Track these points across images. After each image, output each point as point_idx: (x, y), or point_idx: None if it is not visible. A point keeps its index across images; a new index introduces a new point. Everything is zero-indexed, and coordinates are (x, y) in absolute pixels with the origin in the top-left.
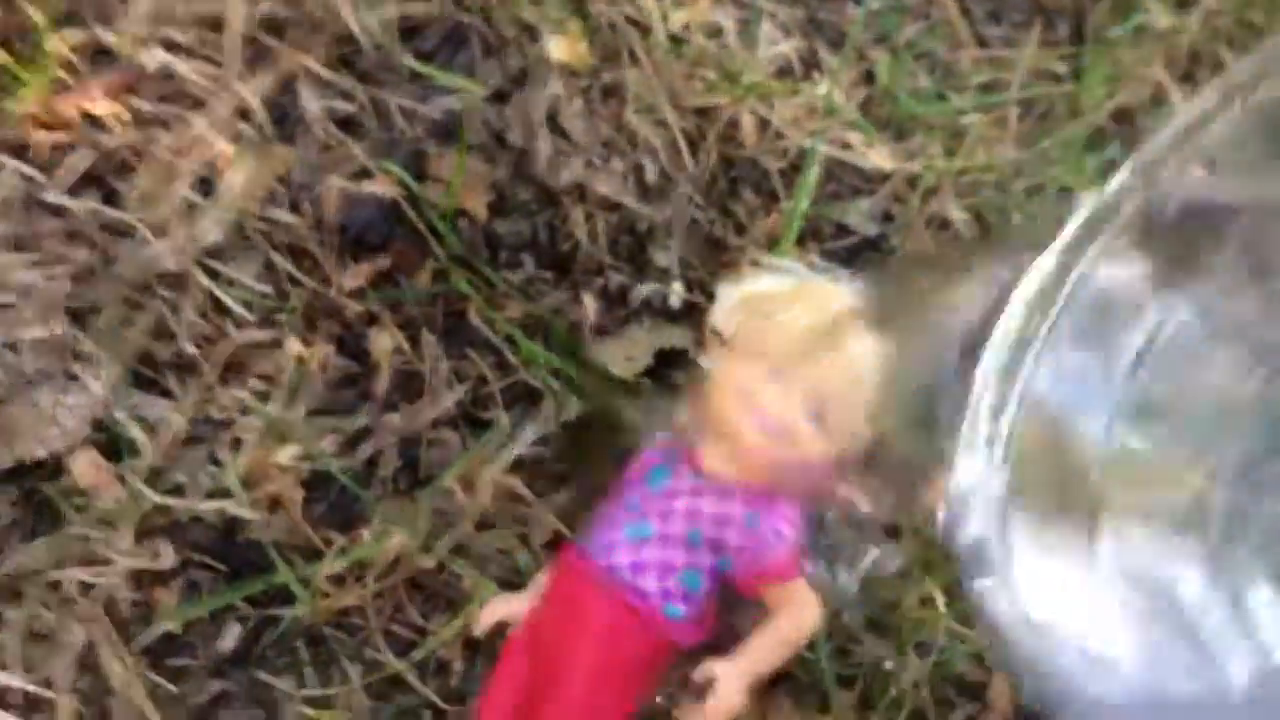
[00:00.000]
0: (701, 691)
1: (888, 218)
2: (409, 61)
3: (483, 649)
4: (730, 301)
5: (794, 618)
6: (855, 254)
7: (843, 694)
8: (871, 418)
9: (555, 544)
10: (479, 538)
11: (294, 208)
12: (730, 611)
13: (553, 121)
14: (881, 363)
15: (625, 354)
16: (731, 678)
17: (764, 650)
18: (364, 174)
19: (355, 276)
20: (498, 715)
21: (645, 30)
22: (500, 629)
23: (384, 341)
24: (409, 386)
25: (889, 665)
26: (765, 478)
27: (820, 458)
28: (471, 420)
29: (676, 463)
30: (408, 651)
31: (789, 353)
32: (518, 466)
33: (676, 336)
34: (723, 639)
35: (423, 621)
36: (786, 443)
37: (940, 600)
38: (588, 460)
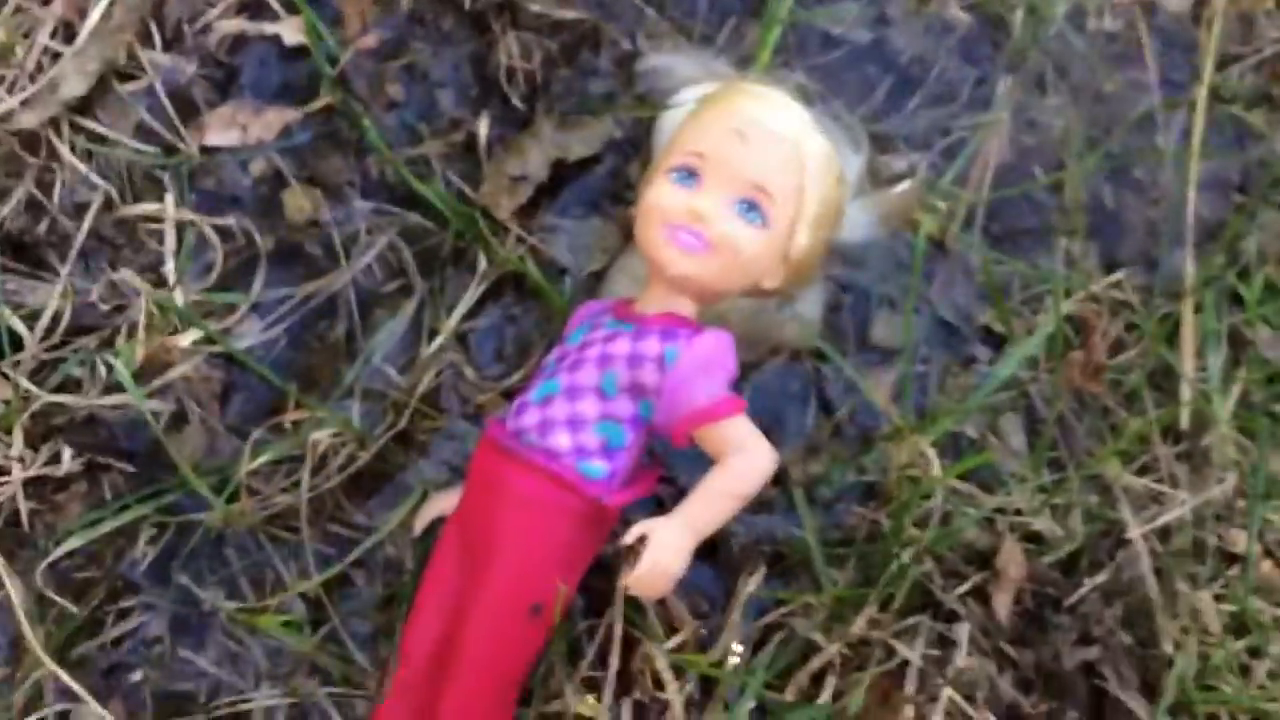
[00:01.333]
0: (635, 555)
1: (882, 20)
2: None
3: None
4: (663, 120)
5: (736, 464)
6: (850, 66)
7: (835, 573)
8: (825, 205)
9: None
10: (421, 424)
11: (170, 47)
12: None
13: None
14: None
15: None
16: (665, 537)
17: (702, 504)
18: (256, 6)
19: (254, 126)
20: (430, 607)
21: None
22: (439, 525)
23: (296, 200)
24: (322, 254)
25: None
26: (712, 308)
27: (768, 264)
28: (401, 289)
29: (603, 314)
30: (349, 550)
31: (709, 143)
32: (457, 339)
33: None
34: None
35: (367, 519)
36: (724, 257)
37: (935, 461)
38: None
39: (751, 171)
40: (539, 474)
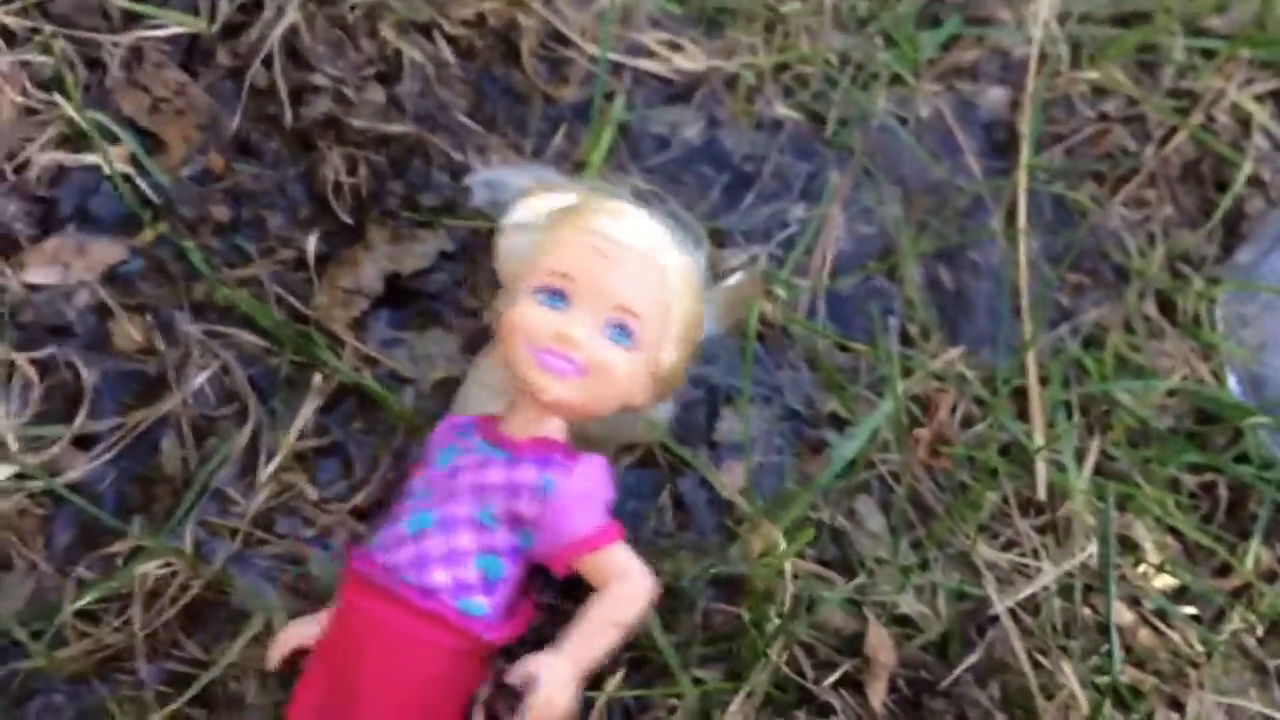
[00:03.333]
0: (520, 695)
1: (714, 122)
2: (118, 1)
3: (282, 679)
4: (510, 236)
5: (618, 591)
6: (686, 166)
7: (700, 672)
8: (690, 319)
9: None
10: (259, 548)
11: None
12: (563, 597)
13: (293, 53)
14: (687, 264)
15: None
16: (554, 673)
17: (589, 635)
18: (75, 138)
19: (77, 264)
20: None
21: None
22: (297, 657)
23: (124, 329)
24: (146, 381)
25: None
26: (582, 427)
27: (639, 384)
28: (237, 412)
29: (469, 435)
30: (187, 686)
31: (574, 263)
32: (297, 459)
33: (413, 255)
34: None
35: (203, 654)
36: (596, 381)
37: (783, 546)
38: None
39: (619, 293)
40: (416, 613)
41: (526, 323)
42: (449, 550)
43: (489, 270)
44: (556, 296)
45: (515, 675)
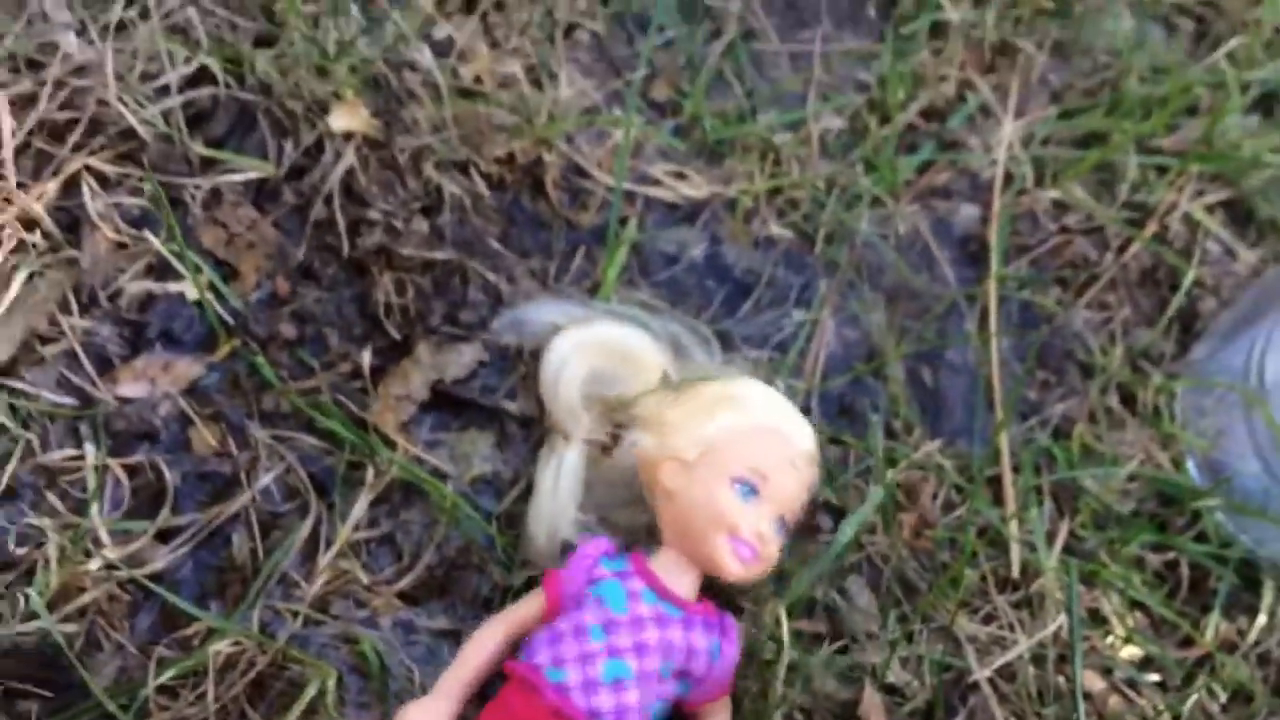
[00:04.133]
0: None
1: (716, 241)
2: (198, 149)
3: None
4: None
5: None
6: (691, 280)
7: None
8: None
9: (402, 626)
10: (317, 628)
11: (86, 312)
12: None
13: (350, 191)
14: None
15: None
16: None
17: None
18: (162, 268)
19: (162, 379)
20: None
21: (433, 89)
22: None
23: (202, 436)
24: (221, 480)
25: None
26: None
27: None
28: (299, 507)
29: (626, 574)
30: None
31: (771, 467)
32: (351, 548)
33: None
34: None
35: None
36: (765, 567)
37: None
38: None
39: (796, 499)
40: None
41: (731, 515)
42: (642, 701)
43: (521, 376)
44: (751, 490)
45: None
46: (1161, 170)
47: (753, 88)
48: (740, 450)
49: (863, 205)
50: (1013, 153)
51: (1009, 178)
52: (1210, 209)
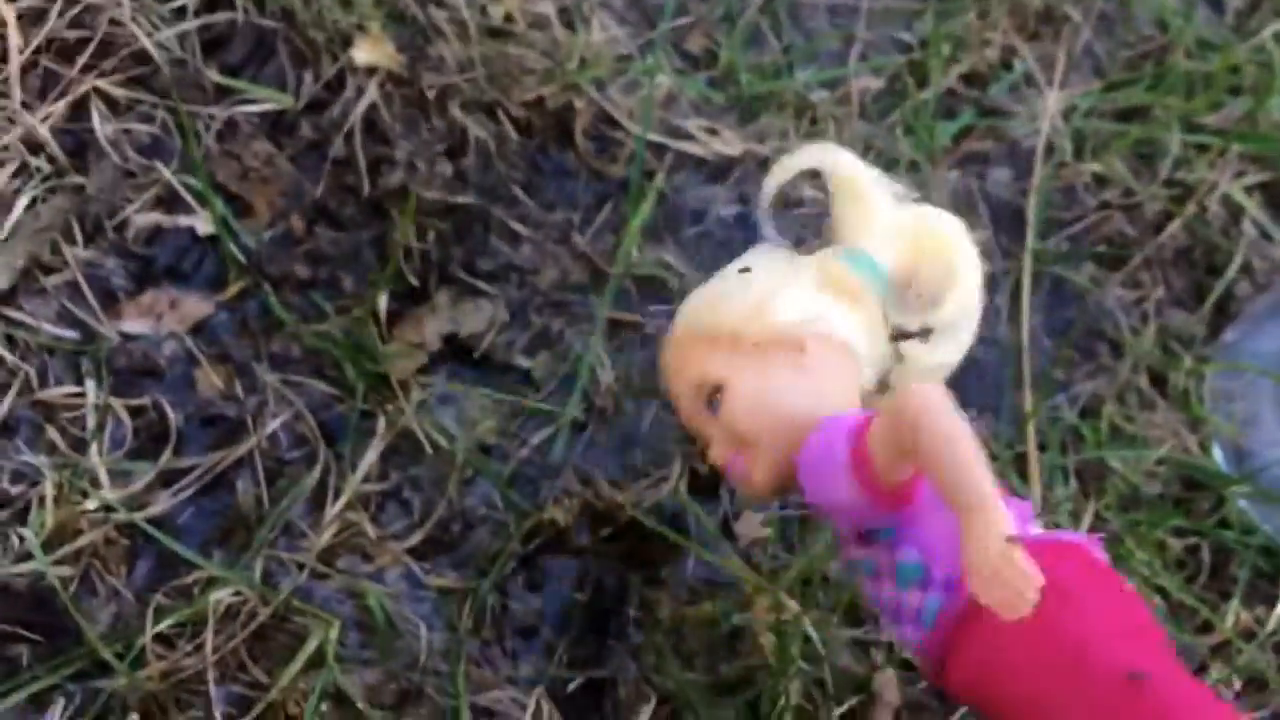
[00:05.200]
0: None
1: (743, 200)
2: (213, 76)
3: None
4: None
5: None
6: (718, 239)
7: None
8: None
9: (408, 581)
10: (321, 583)
11: (91, 242)
12: None
13: (371, 128)
14: None
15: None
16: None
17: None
18: (171, 200)
19: (169, 316)
20: None
21: (461, 26)
22: None
23: (208, 377)
24: (227, 424)
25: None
26: None
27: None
28: (306, 456)
29: None
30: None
31: None
32: (361, 501)
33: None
34: None
35: (266, 677)
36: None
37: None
38: None
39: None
40: None
41: None
42: None
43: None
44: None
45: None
46: (1203, 149)
47: (790, 43)
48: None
49: (899, 170)
50: (1054, 123)
51: (1049, 149)
52: (1250, 191)
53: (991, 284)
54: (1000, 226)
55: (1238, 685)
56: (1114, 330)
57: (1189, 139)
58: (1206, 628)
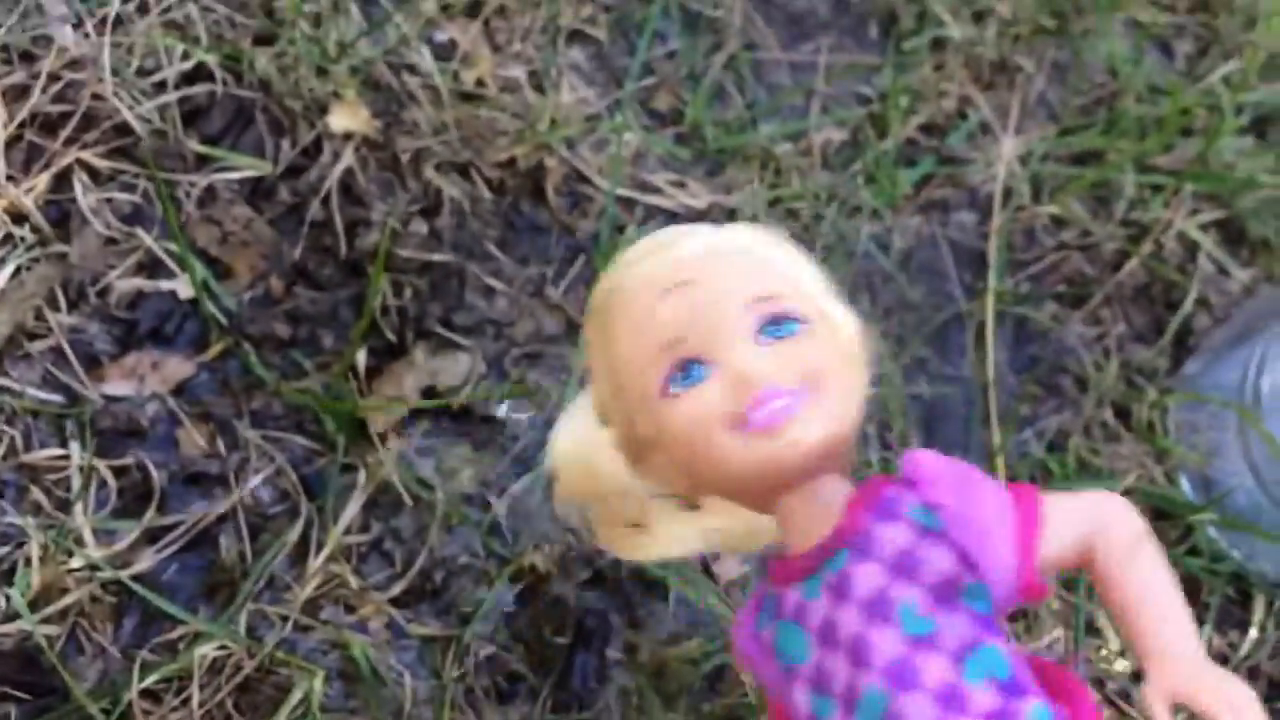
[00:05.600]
0: None
1: None
2: (194, 145)
3: None
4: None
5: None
6: None
7: None
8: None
9: (392, 631)
10: (305, 635)
11: (74, 308)
12: None
13: (348, 191)
14: None
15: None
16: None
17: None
18: (153, 266)
19: (151, 378)
20: None
21: (434, 91)
22: None
23: (190, 437)
24: (209, 481)
25: None
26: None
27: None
28: (289, 510)
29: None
30: None
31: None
32: (343, 553)
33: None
34: None
35: None
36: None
37: None
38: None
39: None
40: None
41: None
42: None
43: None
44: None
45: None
46: (1157, 189)
47: (754, 99)
48: (646, 338)
49: (862, 217)
50: (1011, 169)
51: (1007, 193)
52: (1204, 228)
53: (957, 324)
54: (963, 269)
55: None
56: (1077, 366)
57: (1143, 180)
58: None
